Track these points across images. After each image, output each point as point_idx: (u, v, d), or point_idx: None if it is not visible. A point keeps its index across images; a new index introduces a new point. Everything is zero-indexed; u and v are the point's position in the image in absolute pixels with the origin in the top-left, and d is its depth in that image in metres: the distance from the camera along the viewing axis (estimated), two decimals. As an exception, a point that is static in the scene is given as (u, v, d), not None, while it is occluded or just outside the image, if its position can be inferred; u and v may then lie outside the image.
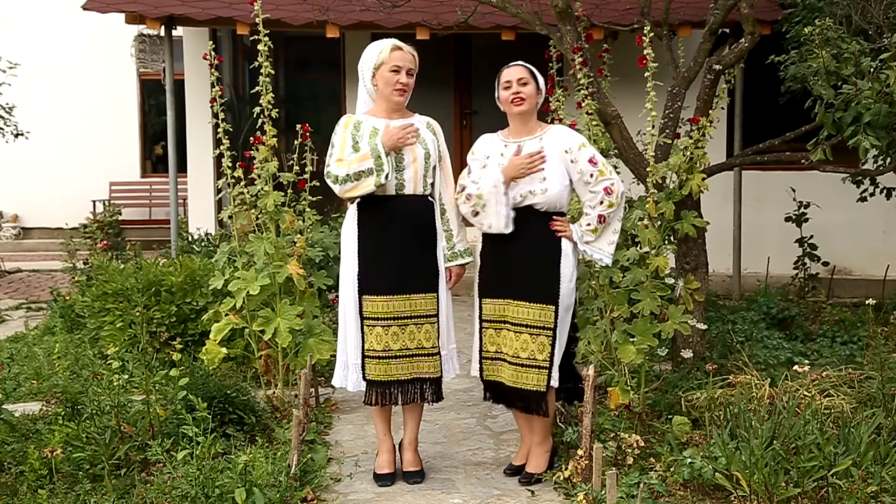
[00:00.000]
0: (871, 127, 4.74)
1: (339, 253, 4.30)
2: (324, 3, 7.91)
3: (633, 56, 5.26)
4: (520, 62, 4.13)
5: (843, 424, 4.03)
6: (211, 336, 5.17)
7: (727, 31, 7.19)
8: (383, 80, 4.10)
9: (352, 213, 4.18)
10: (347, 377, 4.19)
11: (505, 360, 4.04)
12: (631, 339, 4.52)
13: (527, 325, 3.99)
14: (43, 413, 4.71)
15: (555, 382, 4.01)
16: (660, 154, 5.14)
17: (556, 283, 3.99)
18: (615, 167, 4.71)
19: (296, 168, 5.41)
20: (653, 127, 4.71)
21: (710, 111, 5.36)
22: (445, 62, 10.15)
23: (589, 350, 4.86)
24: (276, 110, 5.15)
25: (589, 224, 4.05)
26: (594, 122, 5.32)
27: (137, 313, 5.44)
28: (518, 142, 4.11)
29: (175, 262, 6.42)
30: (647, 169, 4.72)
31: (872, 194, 7.28)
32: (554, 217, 4.05)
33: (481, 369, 4.15)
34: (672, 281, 4.93)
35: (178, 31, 9.27)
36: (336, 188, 4.05)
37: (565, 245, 4.04)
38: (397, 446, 4.28)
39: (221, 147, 5.29)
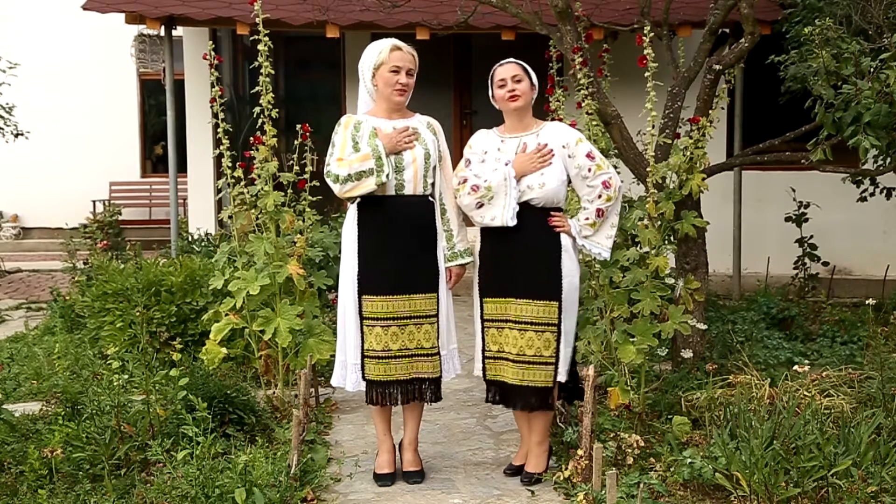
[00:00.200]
0: (871, 127, 4.74)
1: (339, 253, 4.30)
2: (324, 3, 7.91)
3: (633, 56, 5.26)
4: (511, 59, 4.14)
5: (843, 424, 4.03)
6: (211, 336, 5.17)
7: (727, 31, 7.18)
8: (383, 80, 4.10)
9: (352, 213, 4.17)
10: (346, 377, 4.19)
11: (507, 359, 4.05)
12: (631, 339, 4.52)
13: (531, 323, 3.99)
14: (43, 413, 4.71)
15: (562, 377, 4.03)
16: (660, 154, 5.14)
17: (557, 278, 4.00)
18: (615, 167, 4.71)
19: (296, 168, 5.41)
20: (653, 127, 4.72)
21: (710, 111, 5.36)
22: (445, 62, 10.15)
23: (589, 350, 4.86)
24: (276, 110, 5.15)
25: (587, 218, 4.07)
26: (594, 122, 5.31)
27: (137, 313, 5.44)
28: (517, 137, 4.12)
29: (175, 262, 6.42)
30: (647, 169, 4.73)
31: (872, 194, 7.28)
32: (551, 213, 4.06)
33: (484, 369, 4.15)
34: (672, 281, 4.93)
35: (178, 31, 9.26)
36: (336, 188, 4.05)
37: (565, 240, 4.05)
38: (397, 446, 4.28)
39: (221, 147, 5.29)
